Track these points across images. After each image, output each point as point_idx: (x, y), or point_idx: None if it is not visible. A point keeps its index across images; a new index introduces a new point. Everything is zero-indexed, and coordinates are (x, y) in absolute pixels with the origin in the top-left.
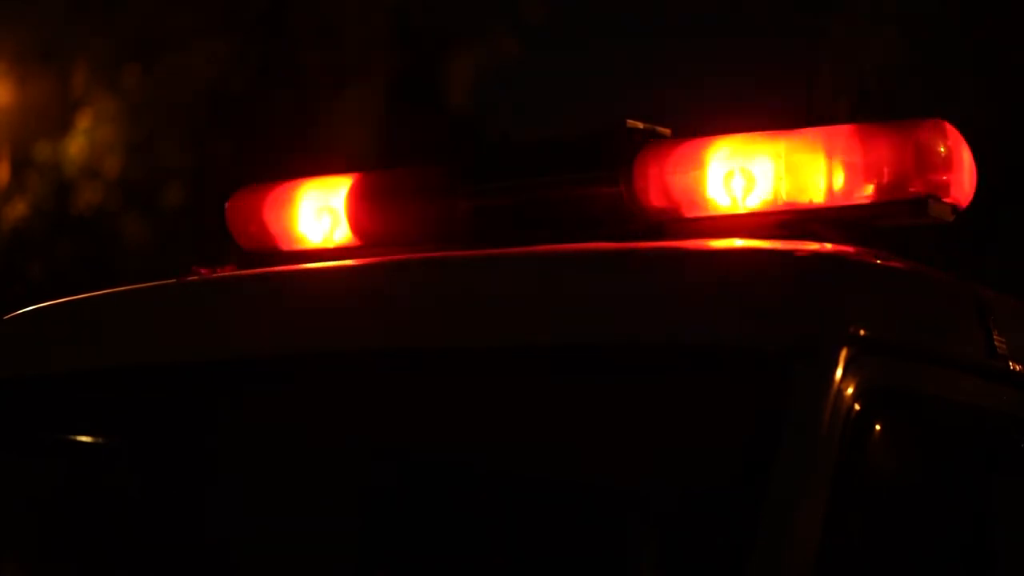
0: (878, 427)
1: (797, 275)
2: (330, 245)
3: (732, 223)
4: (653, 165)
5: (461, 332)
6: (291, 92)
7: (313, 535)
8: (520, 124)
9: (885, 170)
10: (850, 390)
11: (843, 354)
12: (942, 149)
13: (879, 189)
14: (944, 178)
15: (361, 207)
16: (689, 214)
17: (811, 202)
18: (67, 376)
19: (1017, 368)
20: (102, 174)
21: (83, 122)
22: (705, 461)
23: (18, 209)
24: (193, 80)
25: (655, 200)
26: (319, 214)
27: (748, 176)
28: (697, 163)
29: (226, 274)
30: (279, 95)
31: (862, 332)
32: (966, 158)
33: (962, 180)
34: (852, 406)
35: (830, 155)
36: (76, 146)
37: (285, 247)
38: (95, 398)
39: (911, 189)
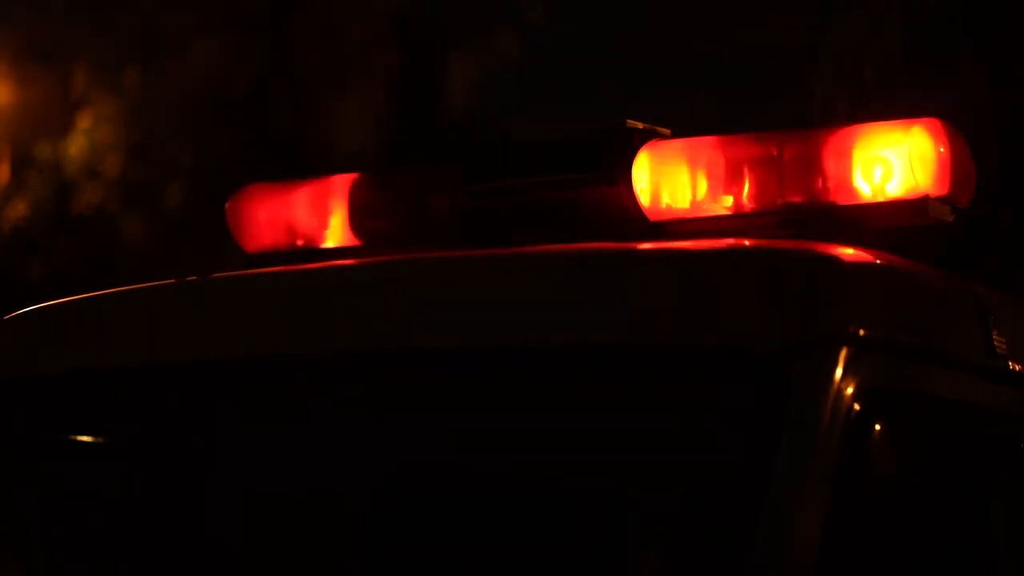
0: (878, 427)
1: (797, 275)
2: (330, 245)
3: (732, 223)
4: (653, 165)
5: (460, 333)
6: (291, 92)
7: (314, 535)
8: (520, 124)
9: (884, 170)
10: (850, 390)
11: (843, 354)
12: (941, 148)
13: (878, 189)
14: (943, 178)
15: (361, 207)
16: (689, 214)
17: (811, 202)
18: (67, 376)
19: (1017, 368)
20: (102, 174)
21: (83, 122)
22: (705, 461)
23: (18, 209)
24: (194, 80)
25: (655, 200)
26: (319, 214)
27: (747, 176)
28: (696, 163)
29: (226, 274)
30: (280, 95)
31: (862, 332)
32: (966, 157)
33: (961, 179)
34: (852, 406)
35: (829, 155)
36: (76, 146)
37: (285, 247)
38: (95, 398)
39: (910, 189)
